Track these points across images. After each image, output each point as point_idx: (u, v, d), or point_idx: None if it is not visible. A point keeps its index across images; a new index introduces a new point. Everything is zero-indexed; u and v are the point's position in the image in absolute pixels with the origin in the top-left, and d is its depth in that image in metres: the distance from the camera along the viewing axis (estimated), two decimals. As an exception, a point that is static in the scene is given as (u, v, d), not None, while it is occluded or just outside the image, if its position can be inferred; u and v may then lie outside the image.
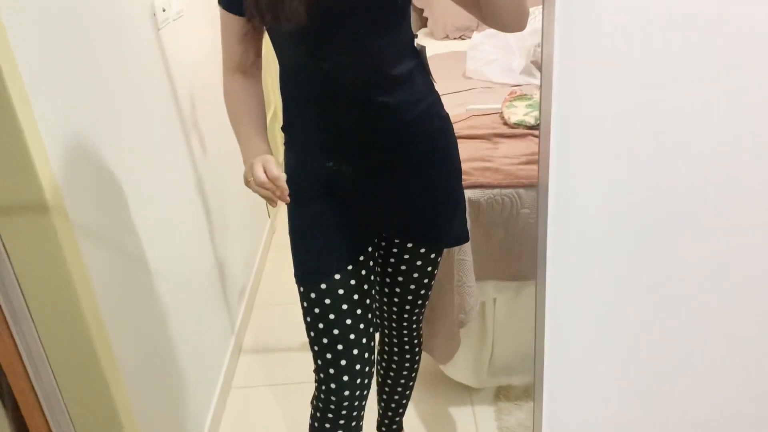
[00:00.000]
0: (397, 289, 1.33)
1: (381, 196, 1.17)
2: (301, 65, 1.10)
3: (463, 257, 1.57)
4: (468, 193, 1.55)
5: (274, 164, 1.04)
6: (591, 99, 0.79)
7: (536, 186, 1.57)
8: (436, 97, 1.19)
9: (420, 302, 1.36)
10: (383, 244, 1.29)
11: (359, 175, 1.14)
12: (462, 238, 1.28)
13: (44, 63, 1.07)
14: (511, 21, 1.08)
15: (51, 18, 1.10)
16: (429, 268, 1.30)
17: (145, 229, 1.40)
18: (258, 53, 1.15)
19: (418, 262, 1.28)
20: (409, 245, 1.26)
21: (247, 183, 1.09)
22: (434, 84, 1.20)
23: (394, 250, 1.28)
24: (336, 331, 1.17)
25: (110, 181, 1.27)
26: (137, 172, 1.39)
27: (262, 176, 1.03)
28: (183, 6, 1.80)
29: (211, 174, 1.94)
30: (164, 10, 1.63)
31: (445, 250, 1.53)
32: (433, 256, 1.29)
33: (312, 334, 1.19)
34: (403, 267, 1.29)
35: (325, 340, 1.18)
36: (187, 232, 1.71)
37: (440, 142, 1.19)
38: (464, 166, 1.65)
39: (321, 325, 1.17)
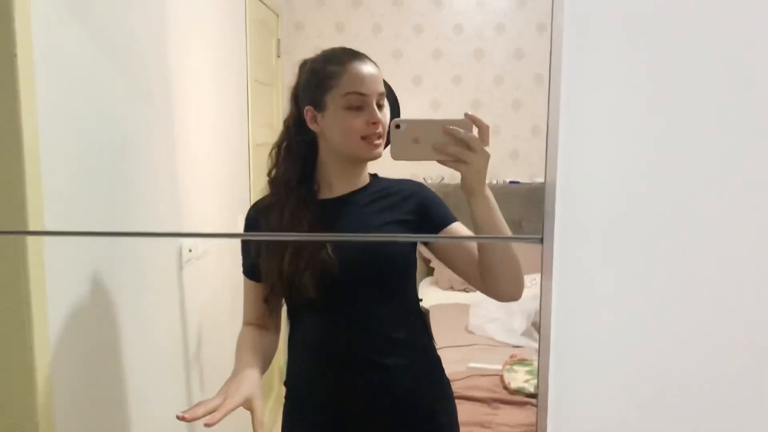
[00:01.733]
0: None
1: None
2: (308, 328, 1.16)
3: None
4: (465, 462, 1.50)
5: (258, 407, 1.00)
6: (586, 376, 0.79)
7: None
8: (436, 360, 1.23)
9: None
10: None
11: None
12: None
13: (64, 292, 1.13)
14: (507, 292, 1.12)
15: (83, 269, 1.19)
16: None
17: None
18: (277, 314, 1.22)
19: None
20: None
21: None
22: (435, 347, 1.24)
23: None
24: None
25: (104, 413, 1.26)
26: (135, 405, 1.38)
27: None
28: (209, 246, 1.93)
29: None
30: (190, 251, 1.74)
31: None
32: None
33: None
34: None
35: None
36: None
37: (438, 409, 1.20)
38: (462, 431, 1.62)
39: None
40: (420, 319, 1.22)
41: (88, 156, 1.18)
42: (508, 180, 3.17)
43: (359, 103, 1.10)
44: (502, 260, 1.07)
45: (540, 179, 3.03)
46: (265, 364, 1.19)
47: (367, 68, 1.12)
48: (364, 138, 1.11)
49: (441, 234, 1.17)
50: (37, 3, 0.97)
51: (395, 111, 1.66)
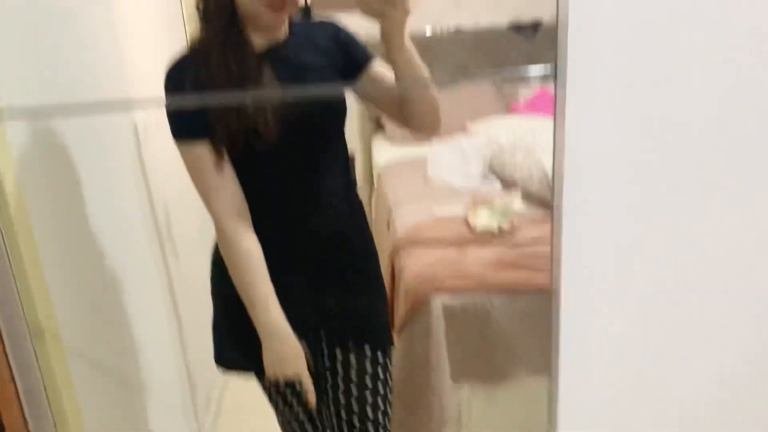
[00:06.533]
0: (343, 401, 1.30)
1: (313, 286, 1.24)
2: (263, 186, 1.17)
3: (438, 360, 1.61)
4: (441, 299, 1.61)
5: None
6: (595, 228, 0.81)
7: (507, 291, 1.65)
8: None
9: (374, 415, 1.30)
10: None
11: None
12: (383, 339, 1.30)
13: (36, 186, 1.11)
14: (425, 124, 1.18)
15: (50, 163, 1.15)
16: (367, 376, 1.28)
17: (118, 341, 1.40)
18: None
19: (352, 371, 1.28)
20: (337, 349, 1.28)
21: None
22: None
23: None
24: None
25: (94, 294, 1.28)
26: (118, 284, 1.40)
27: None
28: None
29: (183, 280, 1.95)
30: (145, 128, 1.69)
31: (420, 352, 1.57)
32: (366, 361, 1.28)
33: None
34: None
35: None
36: (156, 340, 1.70)
37: (352, 222, 1.28)
38: (434, 272, 1.73)
39: None
40: (350, 162, 1.28)
41: (29, 29, 1.09)
42: (452, 26, 3.12)
43: None
44: (421, 95, 1.15)
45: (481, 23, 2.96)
46: None
47: None
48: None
49: (363, 71, 1.19)
50: None
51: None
